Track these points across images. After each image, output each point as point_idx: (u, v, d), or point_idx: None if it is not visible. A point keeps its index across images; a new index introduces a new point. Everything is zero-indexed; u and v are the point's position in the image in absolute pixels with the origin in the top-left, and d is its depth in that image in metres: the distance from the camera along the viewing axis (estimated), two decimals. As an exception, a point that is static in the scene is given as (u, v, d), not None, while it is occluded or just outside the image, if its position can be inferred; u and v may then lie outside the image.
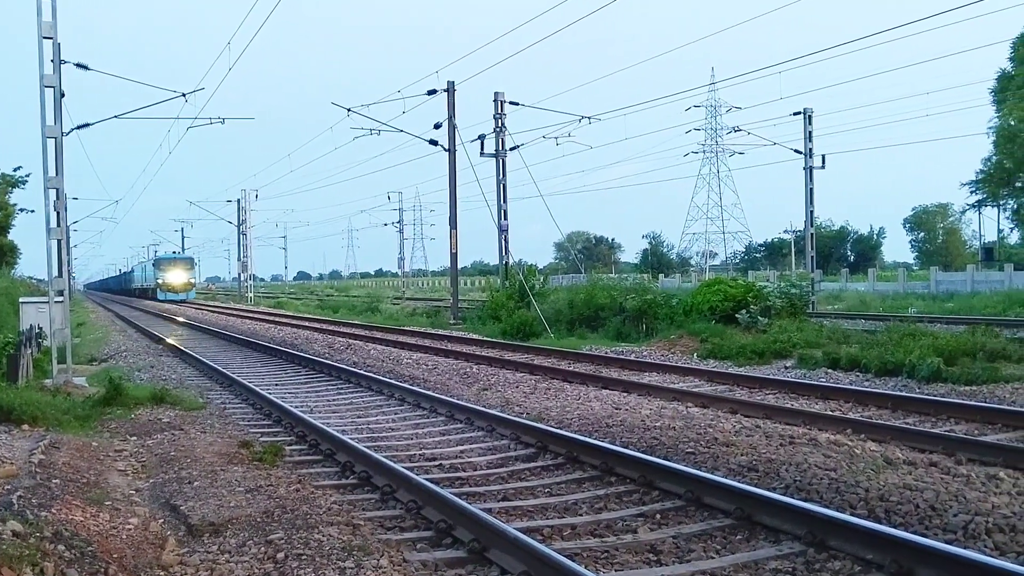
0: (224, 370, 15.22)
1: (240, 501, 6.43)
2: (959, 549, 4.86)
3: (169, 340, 23.00)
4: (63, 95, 13.70)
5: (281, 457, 8.19)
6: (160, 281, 64.96)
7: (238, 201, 63.79)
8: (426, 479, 6.87)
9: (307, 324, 30.84)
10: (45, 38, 13.00)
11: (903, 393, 11.29)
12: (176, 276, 65.53)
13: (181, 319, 36.04)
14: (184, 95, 20.20)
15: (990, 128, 50.40)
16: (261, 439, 9.18)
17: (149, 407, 11.13)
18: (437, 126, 29.24)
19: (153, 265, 68.37)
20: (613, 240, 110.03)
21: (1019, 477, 6.69)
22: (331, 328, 28.07)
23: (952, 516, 5.70)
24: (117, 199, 76.60)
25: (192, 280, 69.01)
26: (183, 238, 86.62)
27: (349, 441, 8.35)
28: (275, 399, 11.46)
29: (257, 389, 12.54)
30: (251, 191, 62.17)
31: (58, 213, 13.40)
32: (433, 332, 25.06)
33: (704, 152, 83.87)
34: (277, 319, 35.33)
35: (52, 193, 13.16)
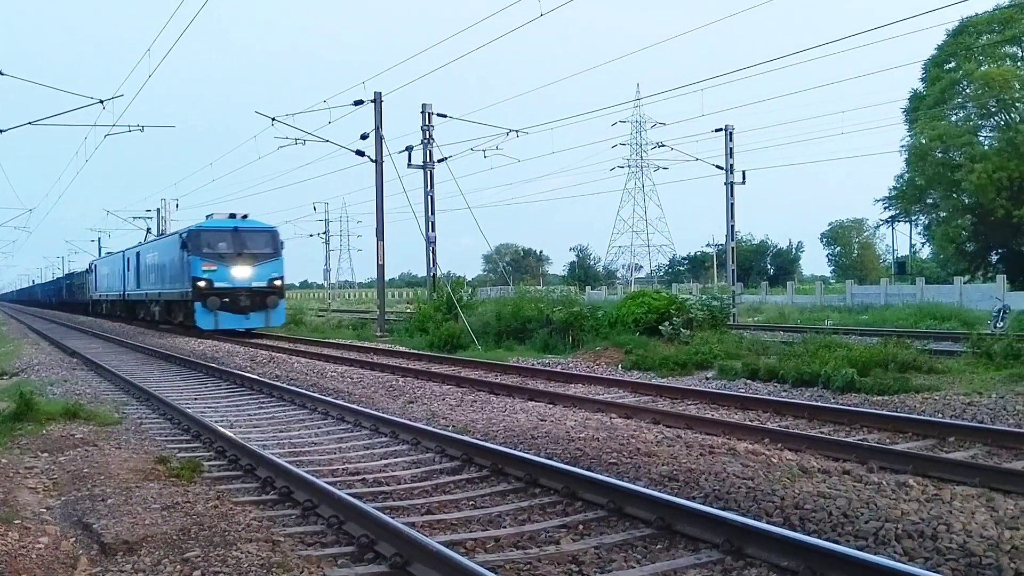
0: (141, 384, 14.83)
1: (156, 518, 6.27)
2: (869, 555, 5.02)
3: (84, 354, 22.31)
4: (-28, 100, 13.20)
5: (199, 473, 8.01)
6: (203, 283, 29.49)
7: (158, 211, 61.93)
8: (348, 493, 6.80)
9: (228, 336, 30.24)
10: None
11: (819, 403, 11.58)
12: (243, 270, 30.21)
13: (96, 331, 34.96)
14: (102, 102, 19.77)
15: (903, 146, 52.36)
16: (179, 455, 8.96)
17: (62, 423, 10.76)
18: (364, 136, 29.09)
19: (183, 246, 30.73)
20: (541, 252, 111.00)
21: (928, 484, 6.91)
22: (253, 340, 27.61)
23: (864, 523, 5.88)
24: (31, 208, 69.71)
25: (280, 279, 31.56)
26: (99, 249, 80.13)
27: (270, 456, 8.22)
28: (194, 414, 11.21)
29: (175, 404, 12.26)
30: (171, 200, 60.06)
31: (-34, 221, 12.42)
32: (359, 344, 24.84)
33: (629, 167, 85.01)
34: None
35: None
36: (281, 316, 31.37)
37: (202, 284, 29.51)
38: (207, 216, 32.48)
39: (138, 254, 39.65)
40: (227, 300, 29.59)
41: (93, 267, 54.74)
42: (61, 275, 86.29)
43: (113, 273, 45.82)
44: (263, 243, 31.35)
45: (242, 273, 30.11)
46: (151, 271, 36.24)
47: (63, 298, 70.28)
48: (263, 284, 30.42)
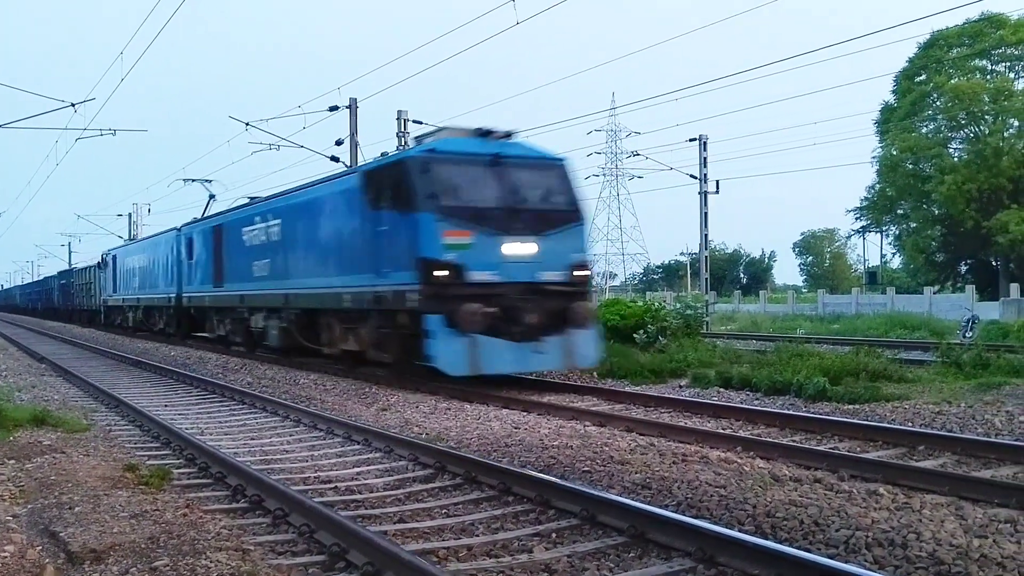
0: (111, 391, 14.67)
1: (124, 527, 6.18)
2: (840, 563, 5.05)
3: (50, 359, 22.02)
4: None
5: (169, 481, 7.92)
6: (446, 272, 13.13)
7: (129, 215, 61.15)
8: (320, 502, 6.75)
9: (201, 342, 29.95)
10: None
11: (790, 411, 11.64)
12: (522, 246, 13.66)
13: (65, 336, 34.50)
14: (73, 105, 19.56)
15: (874, 158, 53.12)
16: (148, 462, 8.86)
17: (29, 429, 10.61)
18: (339, 142, 28.92)
19: (385, 191, 14.38)
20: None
21: (898, 493, 6.97)
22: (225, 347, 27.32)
23: (834, 531, 5.91)
24: (0, 211, 67.04)
25: (587, 267, 14.74)
26: (70, 254, 75.95)
27: (240, 463, 8.14)
28: (164, 421, 11.09)
29: (145, 410, 12.12)
30: (143, 204, 59.36)
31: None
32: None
33: (604, 175, 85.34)
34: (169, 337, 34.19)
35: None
36: (592, 346, 14.59)
37: (444, 273, 13.44)
38: (416, 138, 16.80)
39: (218, 229, 24.09)
40: (495, 310, 13.54)
41: (110, 259, 39.10)
42: (49, 275, 71.28)
43: (153, 265, 30.89)
44: (552, 189, 15.00)
45: (521, 250, 14.02)
46: (257, 255, 20.99)
47: (54, 303, 58.05)
48: (560, 276, 14.28)
